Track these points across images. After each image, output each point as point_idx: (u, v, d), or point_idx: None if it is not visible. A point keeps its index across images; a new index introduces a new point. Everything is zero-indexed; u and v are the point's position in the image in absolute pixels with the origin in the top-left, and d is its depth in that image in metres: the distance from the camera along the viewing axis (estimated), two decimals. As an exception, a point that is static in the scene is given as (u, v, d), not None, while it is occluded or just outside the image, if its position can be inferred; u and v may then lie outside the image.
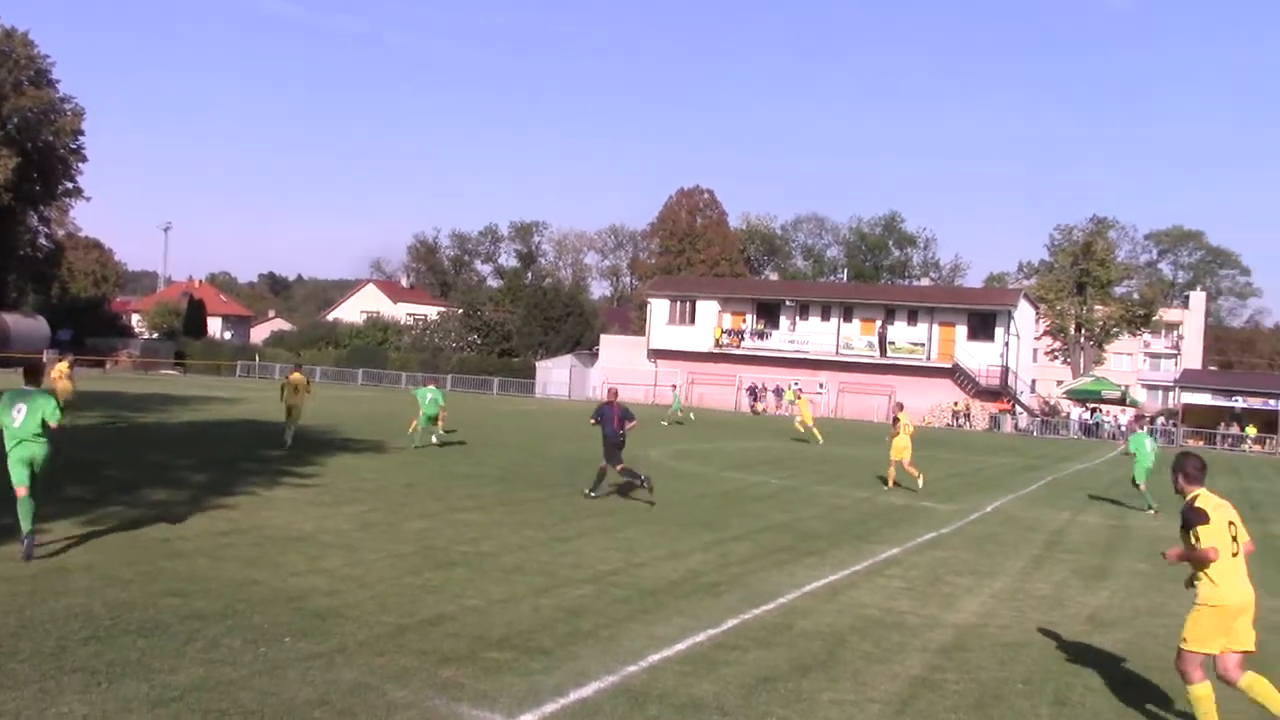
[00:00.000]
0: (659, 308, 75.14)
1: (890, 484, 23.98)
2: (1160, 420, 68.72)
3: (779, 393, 69.36)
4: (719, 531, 15.78)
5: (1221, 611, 7.40)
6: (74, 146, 77.81)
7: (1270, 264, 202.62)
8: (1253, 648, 7.50)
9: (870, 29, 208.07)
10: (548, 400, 68.58)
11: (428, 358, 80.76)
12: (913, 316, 69.11)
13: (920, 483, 23.56)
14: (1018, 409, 66.14)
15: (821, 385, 69.19)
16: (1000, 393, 65.98)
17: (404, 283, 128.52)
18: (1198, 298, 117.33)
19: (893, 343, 68.56)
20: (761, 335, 72.11)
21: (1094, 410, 66.55)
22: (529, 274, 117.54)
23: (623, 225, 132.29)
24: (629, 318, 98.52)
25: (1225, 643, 7.44)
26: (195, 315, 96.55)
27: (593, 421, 19.43)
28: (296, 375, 27.07)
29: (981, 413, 65.25)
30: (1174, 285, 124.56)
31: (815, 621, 10.45)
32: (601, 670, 8.24)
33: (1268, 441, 60.57)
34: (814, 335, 70.49)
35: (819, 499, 21.15)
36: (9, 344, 65.13)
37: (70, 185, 79.64)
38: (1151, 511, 22.50)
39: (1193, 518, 7.57)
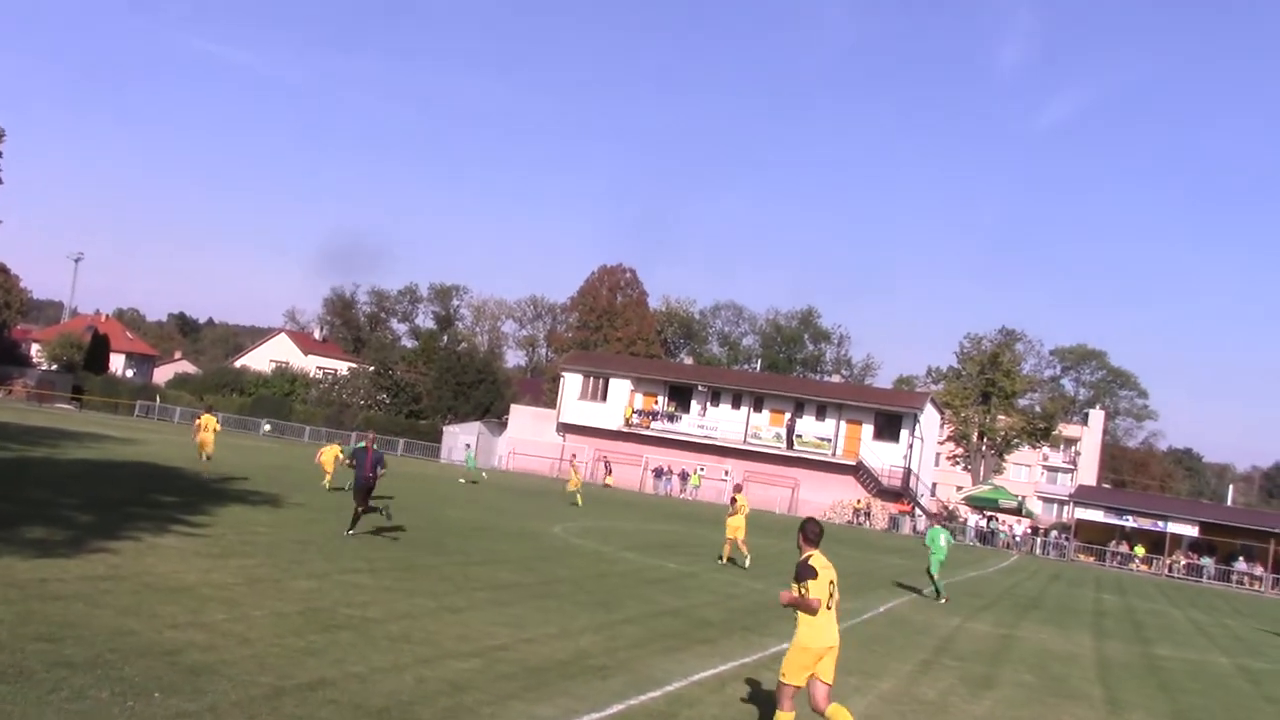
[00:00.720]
0: (572, 382, 75.14)
1: (724, 560, 25.75)
2: (1054, 534, 69.95)
3: (684, 476, 69.52)
4: (612, 613, 15.68)
5: (811, 652, 9.01)
6: (-11, 168, 76.17)
7: (1167, 388, 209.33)
8: (831, 681, 9.14)
9: (796, 127, 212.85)
10: (452, 465, 67.88)
11: (334, 413, 79.68)
12: (821, 411, 69.89)
13: (748, 562, 25.36)
14: (917, 511, 66.93)
15: (727, 472, 69.46)
16: (901, 494, 66.79)
17: (317, 335, 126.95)
18: (1097, 416, 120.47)
19: (800, 436, 69.18)
20: (672, 418, 72.37)
21: (991, 518, 67.57)
22: (445, 337, 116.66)
23: (543, 296, 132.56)
24: (542, 389, 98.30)
25: (811, 676, 8.99)
26: (98, 350, 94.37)
27: (349, 463, 21.27)
28: (207, 416, 30.86)
29: (882, 512, 65.91)
30: (1075, 402, 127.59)
31: (700, 712, 10.40)
32: (479, 748, 8.10)
33: (1154, 562, 61.94)
34: (724, 422, 70.91)
35: (714, 587, 21.14)
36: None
37: (-20, 206, 77.88)
38: (943, 600, 24.54)
39: (804, 573, 9.13)
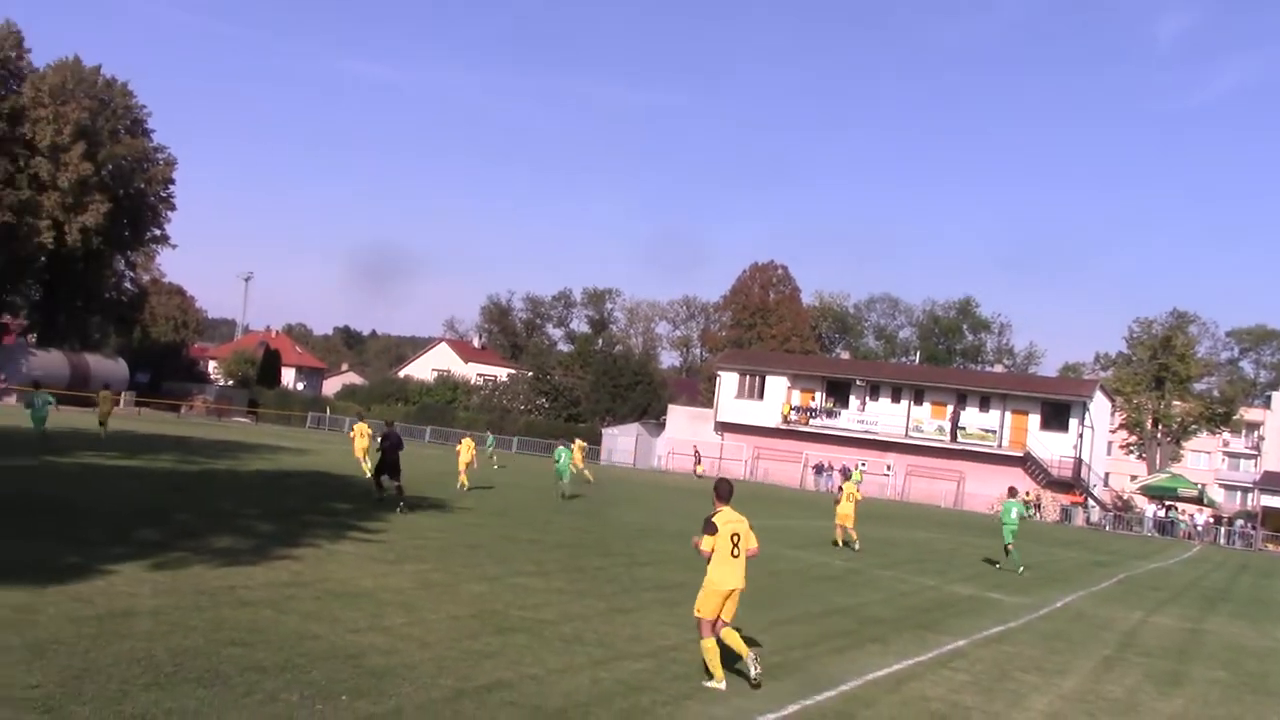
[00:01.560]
0: (728, 381, 75.04)
1: (838, 544, 26.83)
2: (1239, 522, 66.89)
3: (846, 473, 68.73)
4: (780, 612, 15.55)
5: (718, 592, 10.45)
6: (164, 195, 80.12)
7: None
8: (730, 619, 10.54)
9: (952, 113, 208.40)
10: (611, 467, 68.47)
11: (495, 418, 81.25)
12: (985, 402, 68.31)
13: (856, 545, 26.64)
14: (1090, 502, 64.82)
15: (889, 467, 68.48)
16: (1072, 484, 64.79)
17: (475, 343, 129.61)
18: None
19: (963, 428, 67.74)
20: (830, 414, 71.64)
21: (1169, 508, 64.98)
22: (600, 340, 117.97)
23: (695, 297, 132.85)
24: (697, 389, 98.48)
25: (719, 611, 10.44)
26: (270, 365, 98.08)
27: (379, 447, 25.10)
28: (362, 425, 33.14)
29: (1052, 504, 63.99)
30: (1255, 384, 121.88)
31: (877, 712, 10.20)
32: (658, 749, 8.09)
33: (1350, 550, 58.68)
34: (883, 416, 69.92)
35: (883, 584, 20.78)
36: (89, 383, 66.48)
37: (158, 232, 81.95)
38: (1020, 570, 25.47)
39: (707, 528, 10.67)
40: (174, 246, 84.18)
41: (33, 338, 79.81)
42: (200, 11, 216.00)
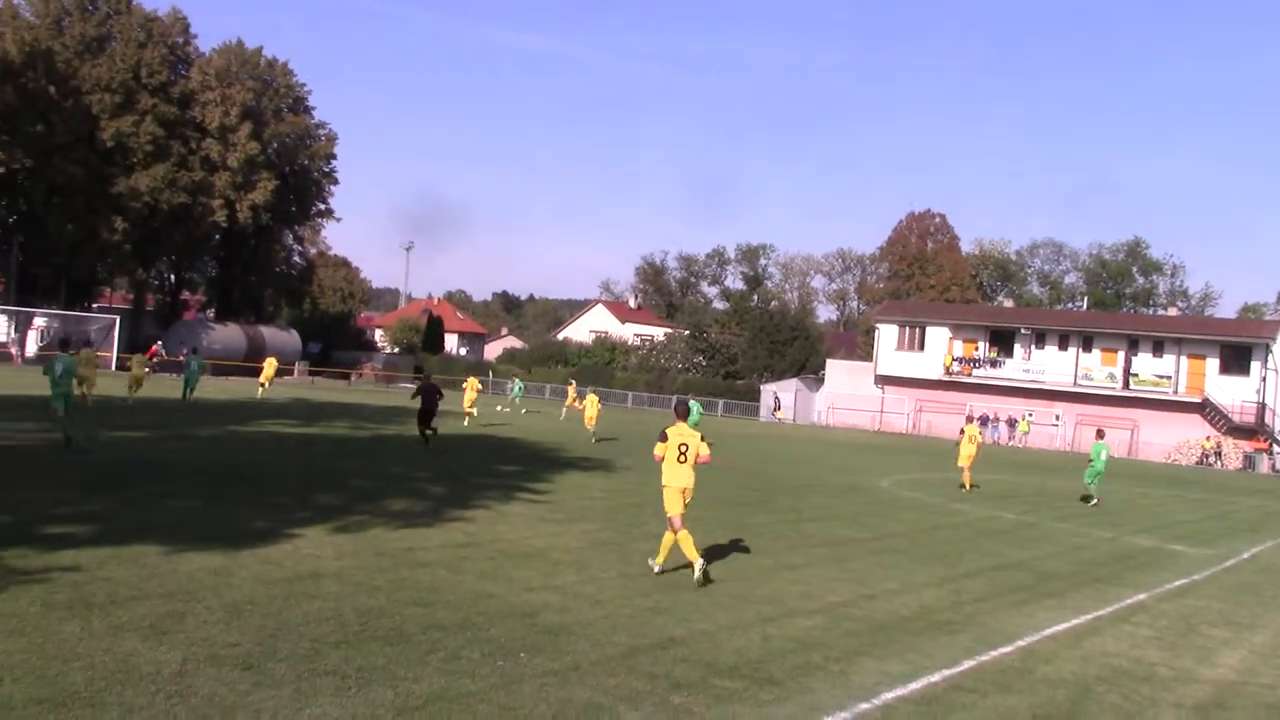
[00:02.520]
0: (887, 333, 73.91)
1: (968, 487, 27.73)
2: None
3: (1012, 423, 67.17)
4: (952, 567, 15.31)
5: (672, 489, 12.59)
6: (327, 170, 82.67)
7: None
8: (681, 511, 12.54)
9: (1111, 51, 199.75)
10: (771, 424, 68.30)
11: (654, 378, 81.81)
12: (1159, 347, 65.78)
13: (967, 488, 27.64)
14: (1275, 448, 61.92)
15: (1057, 417, 66.64)
16: (1256, 431, 61.96)
17: (631, 303, 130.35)
18: None
19: (1136, 374, 65.44)
20: (994, 363, 69.97)
21: (1363, 454, 61.63)
22: (755, 297, 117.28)
23: (850, 249, 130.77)
24: (855, 343, 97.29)
25: (682, 508, 12.56)
26: (434, 331, 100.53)
27: (415, 396, 28.15)
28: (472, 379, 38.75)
29: (1234, 451, 61.36)
30: None
31: (1057, 668, 9.97)
32: (834, 705, 8.08)
33: None
34: (1051, 365, 68.00)
35: (1057, 537, 20.26)
36: (264, 354, 69.32)
37: (322, 206, 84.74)
38: (1094, 502, 26.73)
39: (660, 437, 12.76)
40: (338, 219, 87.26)
41: (210, 312, 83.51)
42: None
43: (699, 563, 12.13)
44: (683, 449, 12.70)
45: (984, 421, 67.36)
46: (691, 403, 31.06)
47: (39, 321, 64.45)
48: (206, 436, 25.91)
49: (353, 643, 8.52)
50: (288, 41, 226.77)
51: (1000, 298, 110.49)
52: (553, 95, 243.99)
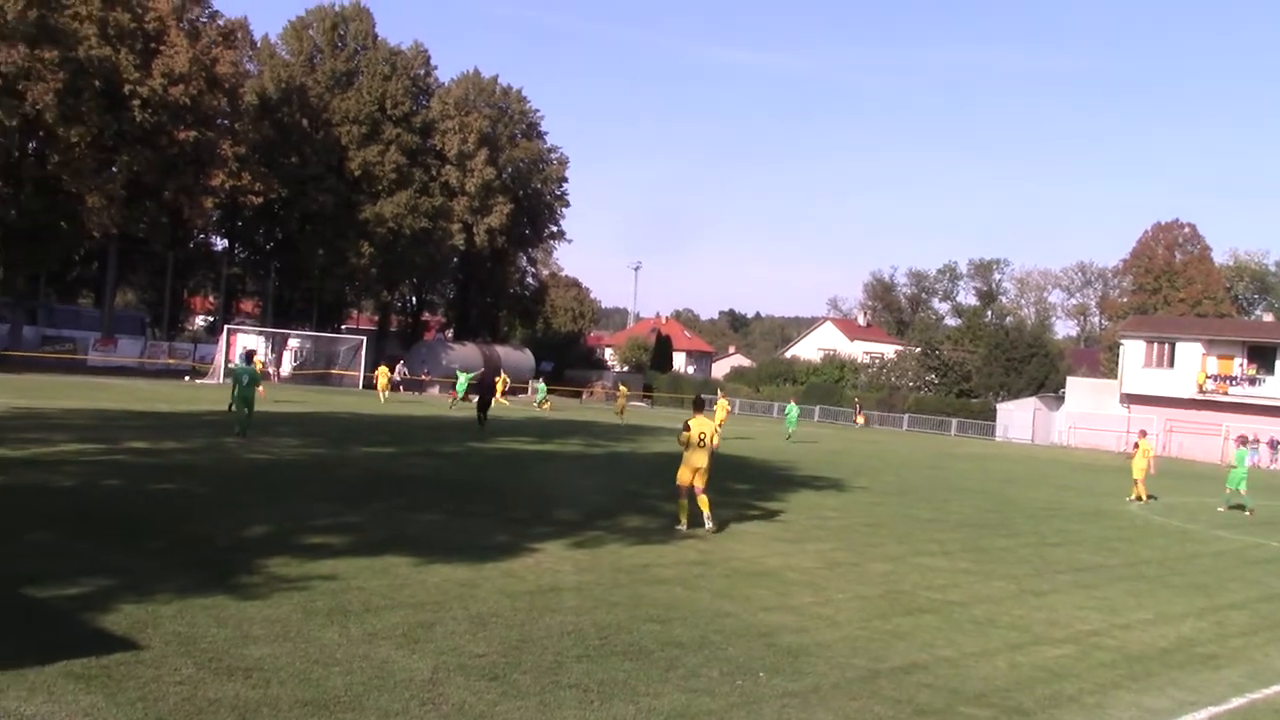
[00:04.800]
0: (1133, 349, 70.38)
1: (1144, 499, 28.58)
2: None
3: (1274, 445, 62.86)
4: (1214, 597, 14.38)
5: (687, 466, 15.87)
6: (559, 193, 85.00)
7: None
8: (702, 487, 15.83)
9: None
10: (1008, 444, 66.05)
11: (884, 396, 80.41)
12: None
13: (1130, 499, 28.68)
14: None
15: (1325, 437, 62.03)
16: None
17: (860, 321, 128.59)
18: None
19: None
20: (1253, 381, 65.65)
21: None
22: (989, 313, 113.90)
23: (1091, 262, 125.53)
24: (1098, 359, 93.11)
25: (691, 481, 15.83)
26: (662, 350, 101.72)
27: (471, 389, 32.53)
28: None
29: None
30: None
31: (1340, 710, 9.21)
32: (1090, 740, 7.68)
33: None
34: (1315, 382, 63.31)
35: (1330, 567, 18.78)
36: (499, 373, 71.69)
37: (554, 229, 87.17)
38: (1220, 509, 27.78)
39: (684, 427, 15.96)
40: (569, 241, 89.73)
41: (449, 333, 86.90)
42: (570, 12, 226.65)
43: (708, 515, 15.77)
44: (702, 436, 15.84)
45: (1243, 442, 63.29)
46: (791, 405, 42.50)
47: (293, 343, 68.46)
48: (449, 453, 26.89)
49: (593, 657, 8.63)
50: (516, 67, 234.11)
51: (1258, 311, 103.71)
52: (771, 108, 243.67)
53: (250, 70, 69.45)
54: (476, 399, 34.78)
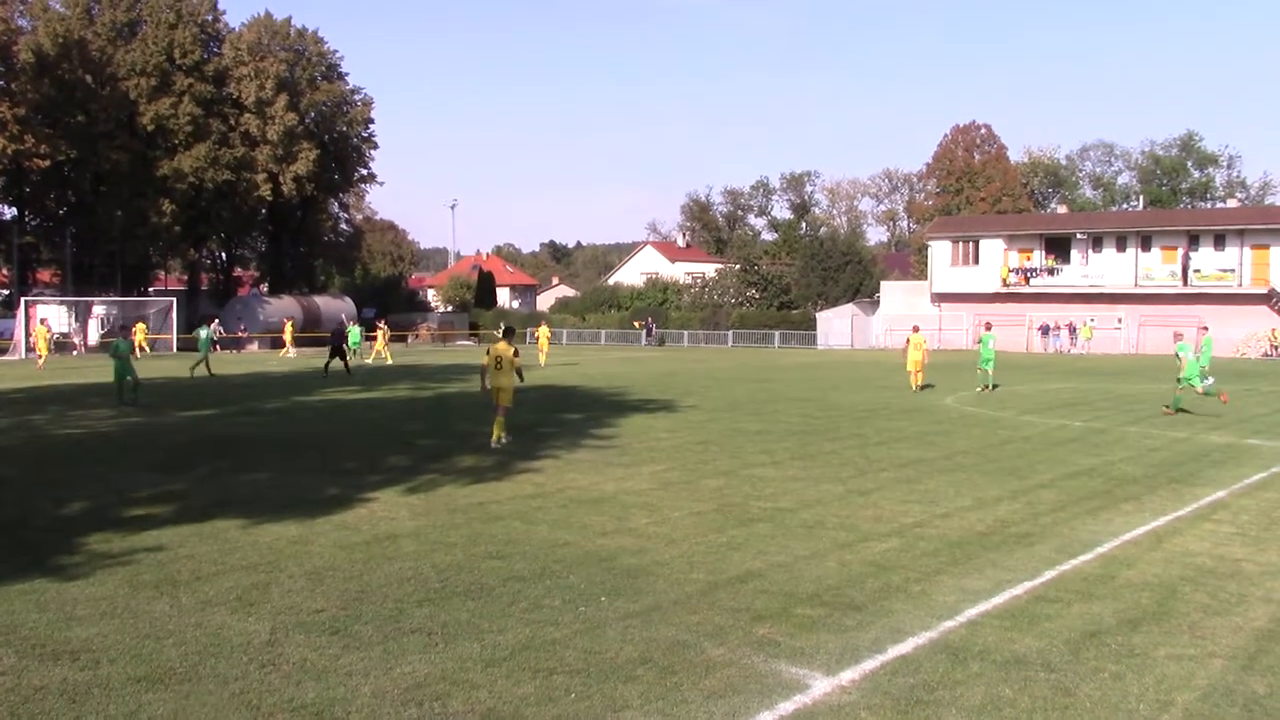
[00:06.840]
0: (940, 250, 73.00)
1: (916, 387, 31.65)
2: None
3: (1074, 330, 66.30)
4: (1024, 479, 15.18)
5: (494, 389, 18.06)
6: (365, 135, 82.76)
7: None
8: (507, 404, 18.26)
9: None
10: (829, 351, 68.01)
11: (708, 315, 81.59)
12: (1220, 241, 64.41)
13: (914, 388, 31.67)
14: (1346, 335, 60.65)
15: (1119, 321, 65.68)
16: (1325, 316, 60.70)
17: (680, 242, 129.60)
18: None
19: (1197, 270, 64.16)
20: (1052, 272, 68.92)
21: None
22: (803, 225, 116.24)
23: (896, 169, 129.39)
24: (909, 262, 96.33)
25: (498, 400, 18.13)
26: (485, 287, 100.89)
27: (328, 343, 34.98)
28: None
29: (1304, 340, 60.17)
30: None
31: (1140, 572, 9.88)
32: (918, 626, 8.07)
33: None
34: (1109, 268, 66.88)
35: (1128, 441, 20.02)
36: (320, 323, 70.03)
37: (364, 172, 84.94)
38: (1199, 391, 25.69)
39: (485, 353, 18.27)
40: (381, 184, 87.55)
41: (264, 287, 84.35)
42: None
43: (503, 436, 18.16)
44: (499, 360, 18.04)
45: (1045, 330, 66.64)
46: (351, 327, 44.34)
47: (98, 310, 65.44)
48: (273, 409, 26.24)
49: (435, 600, 8.63)
50: (311, 8, 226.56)
51: (1053, 205, 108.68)
52: (568, 33, 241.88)
53: (23, 26, 65.29)
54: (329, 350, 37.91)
